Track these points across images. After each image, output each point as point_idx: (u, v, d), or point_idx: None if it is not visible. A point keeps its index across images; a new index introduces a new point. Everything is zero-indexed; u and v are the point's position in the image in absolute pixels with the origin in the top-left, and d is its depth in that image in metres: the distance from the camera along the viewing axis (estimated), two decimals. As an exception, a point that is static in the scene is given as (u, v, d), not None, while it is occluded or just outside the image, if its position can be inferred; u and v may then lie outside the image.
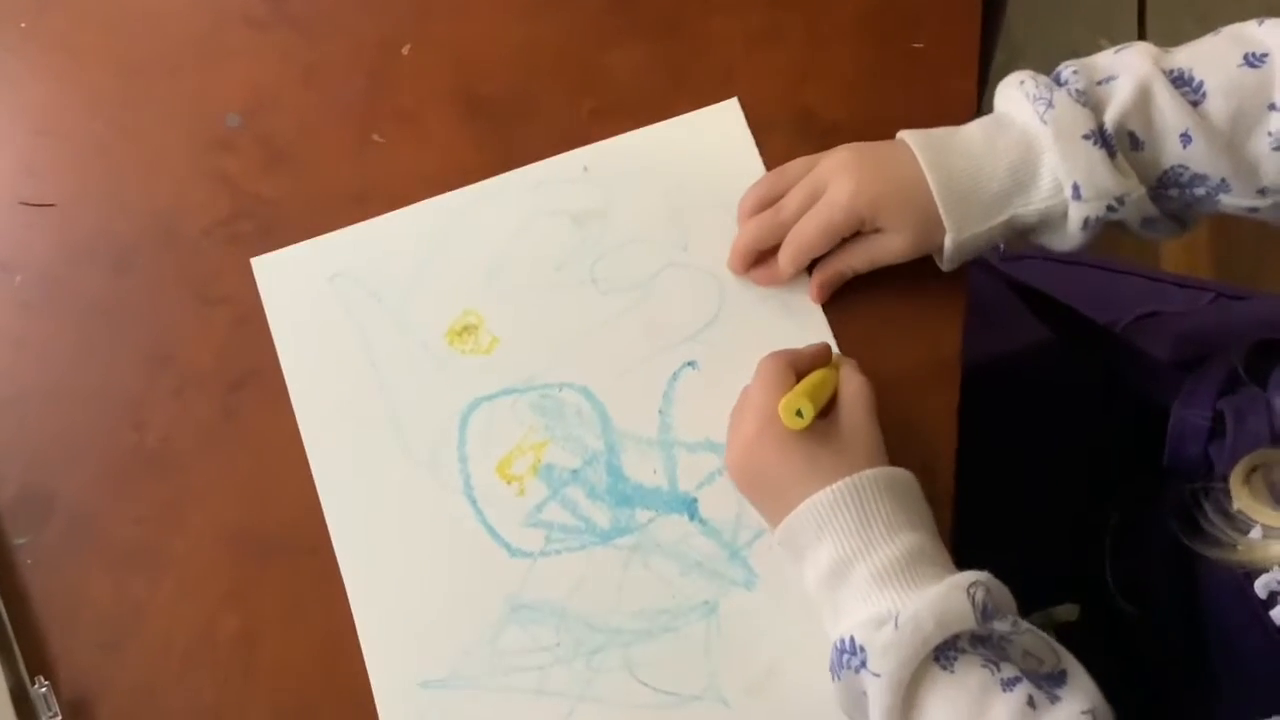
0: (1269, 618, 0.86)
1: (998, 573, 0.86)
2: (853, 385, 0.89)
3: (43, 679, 0.92)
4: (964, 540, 0.91)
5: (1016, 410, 1.10)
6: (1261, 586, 0.87)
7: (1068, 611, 1.06)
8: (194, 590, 0.95)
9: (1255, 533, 0.86)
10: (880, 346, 0.98)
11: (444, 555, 0.94)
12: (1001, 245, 0.97)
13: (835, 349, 0.95)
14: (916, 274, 0.97)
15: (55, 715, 0.90)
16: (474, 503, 0.95)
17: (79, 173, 1.04)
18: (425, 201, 1.01)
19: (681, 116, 1.01)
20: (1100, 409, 1.12)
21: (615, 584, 0.94)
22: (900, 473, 0.86)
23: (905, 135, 0.94)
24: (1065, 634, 0.95)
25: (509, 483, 0.96)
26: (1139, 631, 1.03)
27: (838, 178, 0.94)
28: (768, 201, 0.97)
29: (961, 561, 0.87)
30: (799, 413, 0.84)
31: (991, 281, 1.15)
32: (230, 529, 0.95)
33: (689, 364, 0.97)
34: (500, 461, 0.96)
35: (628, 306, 0.99)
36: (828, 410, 0.88)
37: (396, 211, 1.01)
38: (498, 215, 1.00)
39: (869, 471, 0.84)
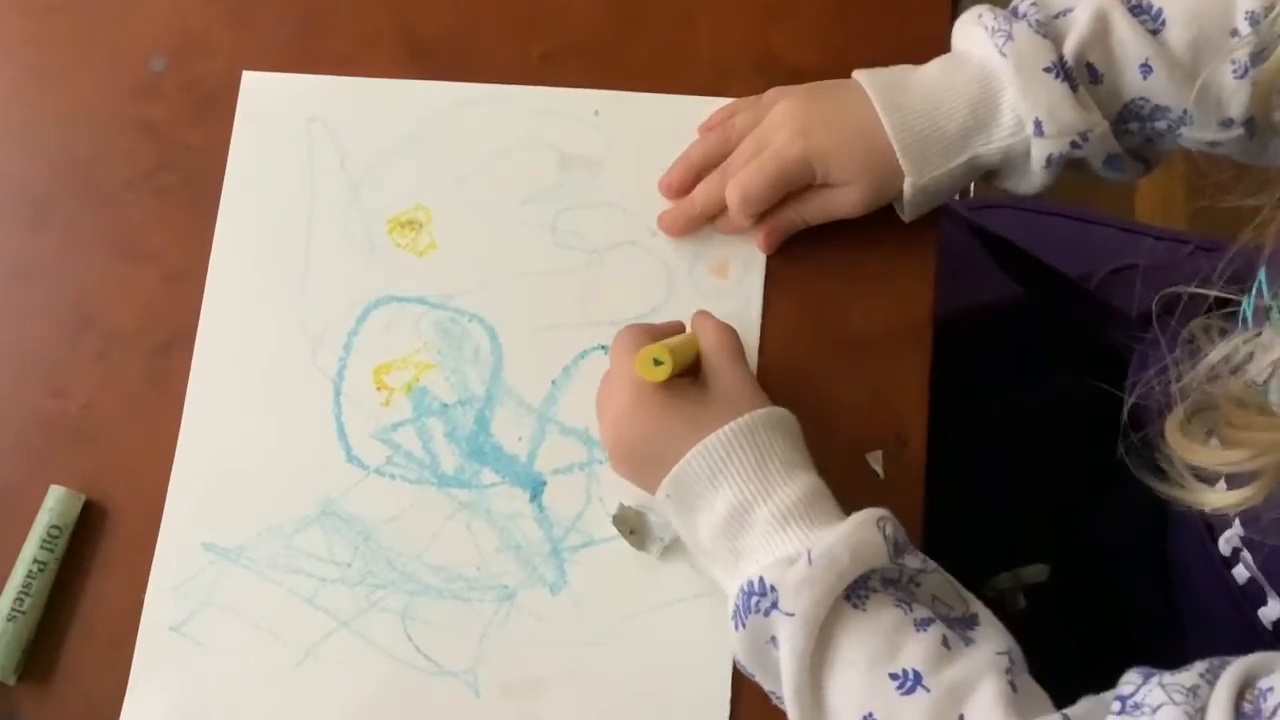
0: (1231, 576, 0.86)
1: (966, 534, 0.84)
2: (711, 336, 0.86)
3: (-44, 662, 0.90)
4: (931, 502, 0.89)
5: (984, 366, 1.07)
6: (1225, 543, 0.87)
7: (1037, 572, 1.02)
8: (119, 569, 0.92)
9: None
10: (846, 307, 0.94)
11: (284, 431, 0.95)
12: (972, 189, 0.91)
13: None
14: (884, 228, 0.94)
15: (-32, 698, 0.89)
16: (337, 393, 0.95)
17: None
18: (433, 83, 1.00)
19: (719, 99, 0.97)
20: (1073, 365, 1.07)
21: (431, 531, 0.92)
22: (784, 412, 0.83)
23: (860, 75, 0.92)
24: (1034, 595, 0.93)
25: (379, 389, 0.95)
26: (1109, 591, 0.98)
27: (782, 130, 0.91)
28: (715, 160, 0.95)
29: (929, 527, 0.86)
30: (656, 361, 0.81)
31: (957, 230, 1.09)
32: (159, 503, 0.93)
33: (603, 348, 0.94)
34: (380, 366, 0.96)
35: (573, 267, 0.96)
36: (695, 372, 0.86)
37: (400, 80, 1.00)
38: (493, 124, 0.99)
39: (759, 411, 0.82)
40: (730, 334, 0.86)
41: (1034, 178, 0.91)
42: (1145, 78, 0.88)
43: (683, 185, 0.95)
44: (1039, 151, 0.89)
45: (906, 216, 0.93)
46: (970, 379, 0.98)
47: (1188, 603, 0.93)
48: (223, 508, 0.93)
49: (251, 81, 1.01)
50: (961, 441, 0.94)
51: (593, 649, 0.89)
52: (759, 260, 0.95)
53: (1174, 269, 1.14)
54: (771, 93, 0.94)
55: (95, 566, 0.93)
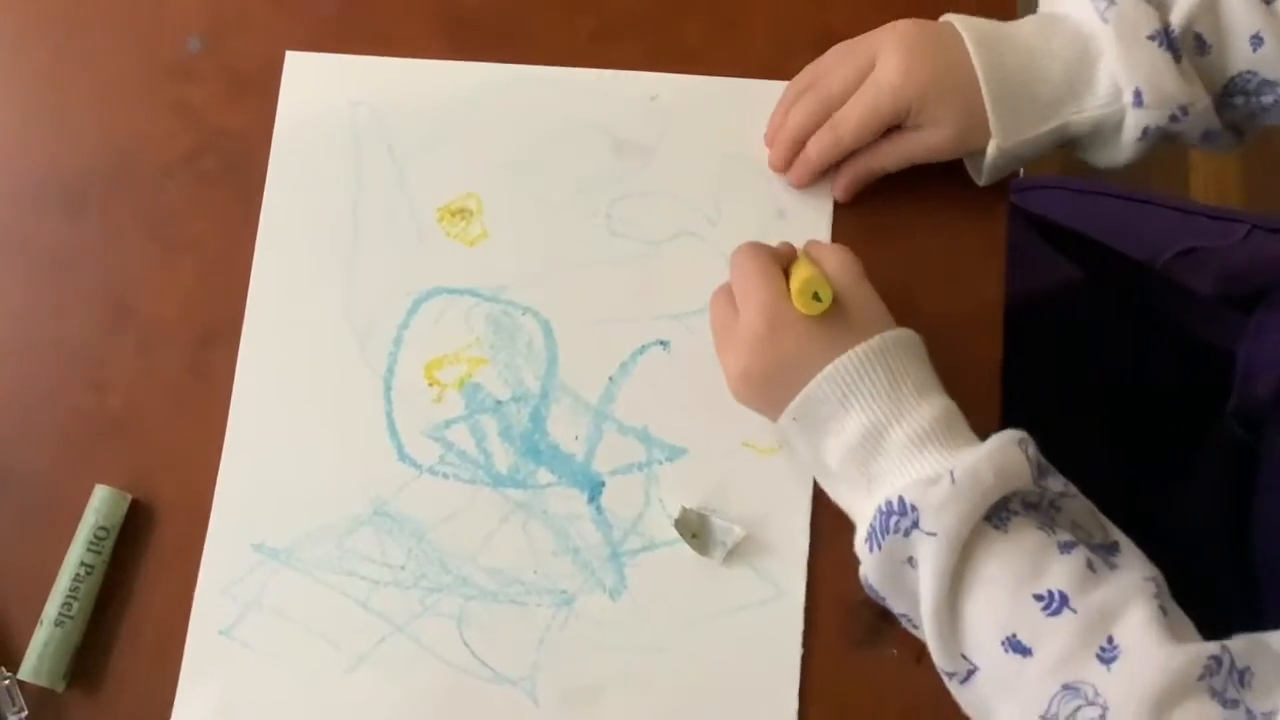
0: None
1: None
2: (835, 260, 0.84)
3: (5, 670, 0.90)
4: None
5: (1048, 351, 1.05)
6: None
7: None
8: (167, 571, 0.91)
9: None
10: (914, 295, 0.91)
11: (334, 429, 0.93)
12: (1020, 171, 0.93)
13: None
14: (951, 212, 0.92)
15: (21, 711, 0.90)
16: (388, 390, 0.93)
17: (23, 105, 1.01)
18: (482, 64, 0.98)
19: (777, 82, 0.95)
20: (1140, 349, 1.06)
21: (486, 533, 0.90)
22: (913, 334, 0.83)
23: (955, 21, 0.89)
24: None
25: (430, 385, 0.93)
26: (1181, 578, 0.98)
27: (888, 53, 0.89)
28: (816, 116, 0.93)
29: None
30: (816, 296, 0.80)
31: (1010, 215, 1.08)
32: (206, 502, 0.92)
33: (661, 343, 0.93)
34: (432, 361, 0.94)
35: (629, 258, 0.94)
36: None
37: (449, 62, 0.98)
38: (544, 108, 0.97)
39: (890, 333, 0.81)
40: (853, 256, 0.84)
41: (1122, 150, 0.89)
42: (1255, 50, 0.86)
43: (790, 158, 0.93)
44: (1135, 122, 0.86)
45: (983, 180, 0.91)
46: (1028, 369, 0.95)
47: (1274, 582, 0.92)
48: (272, 507, 0.92)
49: (295, 62, 0.99)
50: (1026, 429, 0.92)
51: (654, 656, 0.88)
52: (822, 251, 0.92)
53: (1234, 251, 1.12)
54: (871, 33, 0.91)
55: (142, 568, 0.92)
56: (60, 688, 0.89)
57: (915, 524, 0.76)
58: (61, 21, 1.01)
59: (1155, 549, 0.97)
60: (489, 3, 0.98)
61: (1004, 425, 0.87)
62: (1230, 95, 0.88)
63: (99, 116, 0.99)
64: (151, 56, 0.99)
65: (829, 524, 0.86)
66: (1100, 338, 1.09)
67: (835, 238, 0.93)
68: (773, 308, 0.82)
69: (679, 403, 0.91)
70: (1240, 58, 0.86)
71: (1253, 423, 0.93)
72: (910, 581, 0.78)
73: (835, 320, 0.82)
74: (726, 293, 0.86)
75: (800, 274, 0.82)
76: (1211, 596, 0.94)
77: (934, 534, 0.75)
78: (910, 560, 0.77)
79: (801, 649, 0.87)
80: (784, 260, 0.86)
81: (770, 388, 0.83)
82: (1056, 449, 0.98)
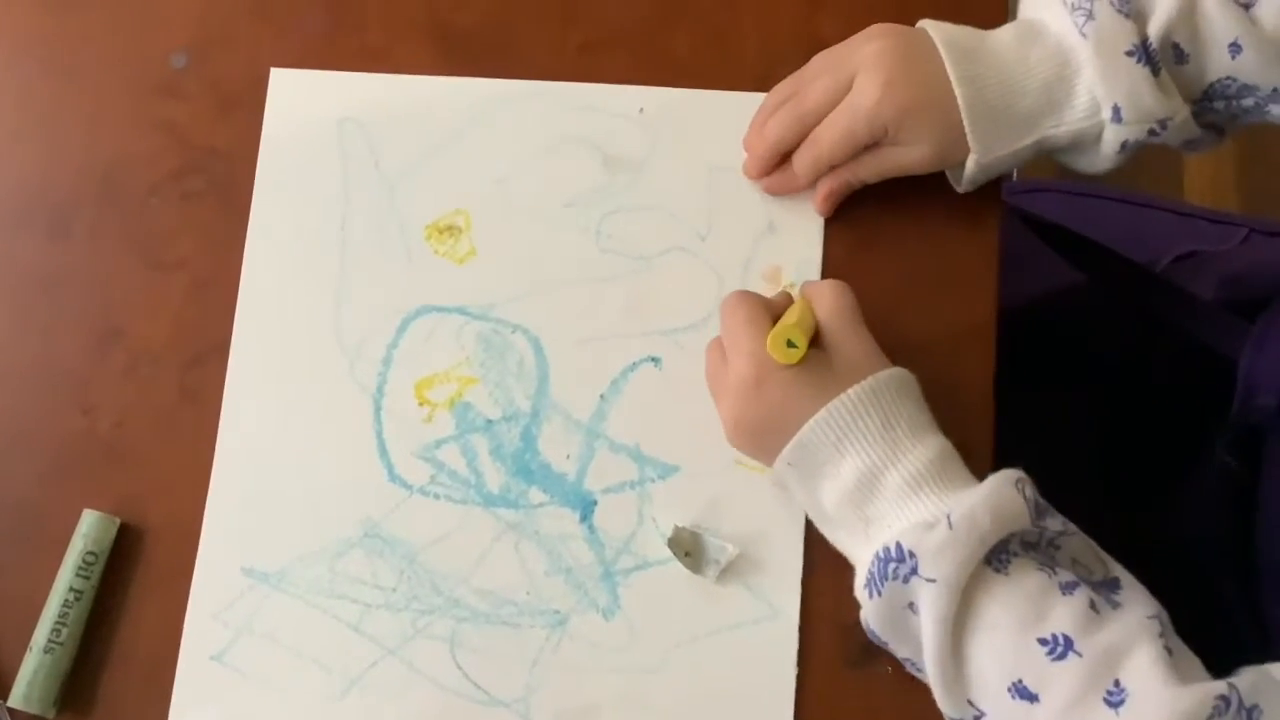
0: None
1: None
2: (827, 301, 0.84)
3: (-6, 695, 0.90)
4: None
5: (1048, 354, 1.06)
6: None
7: None
8: (157, 596, 0.90)
9: None
10: (906, 310, 0.91)
11: (323, 450, 0.92)
12: (1014, 174, 0.93)
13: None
14: (945, 223, 0.92)
15: (11, 736, 0.90)
16: (378, 410, 0.93)
17: (6, 123, 1.00)
18: (469, 80, 0.97)
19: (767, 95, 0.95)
20: (1142, 352, 1.06)
21: (478, 554, 0.90)
22: (906, 373, 0.83)
23: (932, 33, 0.88)
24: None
25: (421, 405, 0.93)
26: (1185, 593, 0.98)
27: (867, 72, 0.88)
28: (794, 125, 0.92)
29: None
30: (790, 344, 0.81)
31: (1007, 218, 1.07)
32: (196, 526, 0.91)
33: (652, 359, 0.92)
34: (422, 380, 0.93)
35: (619, 274, 0.94)
36: (814, 340, 0.84)
37: (436, 78, 0.97)
38: (532, 123, 0.96)
39: (883, 374, 0.81)
40: (846, 297, 0.84)
41: (1102, 160, 0.89)
42: (1234, 57, 0.85)
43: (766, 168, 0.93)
44: (1113, 136, 0.86)
45: (962, 189, 0.91)
46: (1027, 375, 0.95)
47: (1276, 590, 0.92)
48: (262, 530, 0.91)
49: (280, 80, 0.98)
50: (1021, 442, 0.90)
51: (648, 676, 0.87)
52: (813, 264, 0.92)
53: (1235, 255, 1.12)
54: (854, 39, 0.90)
55: (132, 594, 0.91)
56: (50, 715, 0.88)
57: (914, 570, 0.76)
58: (46, 37, 1.00)
59: (1157, 555, 0.98)
60: (477, 16, 0.98)
61: (1000, 432, 0.88)
62: (1210, 100, 0.88)
63: (83, 135, 0.98)
64: (136, 73, 0.98)
65: (823, 542, 0.85)
66: (1100, 341, 1.09)
67: (827, 250, 0.92)
68: (759, 356, 0.82)
69: (671, 420, 0.90)
70: (1219, 65, 0.86)
71: (1256, 430, 0.92)
72: (913, 627, 0.77)
73: (823, 365, 0.82)
74: (719, 342, 0.86)
75: (781, 321, 0.83)
76: (1214, 603, 0.94)
77: (933, 580, 0.75)
78: (911, 606, 0.77)
79: (796, 667, 0.86)
80: (777, 309, 0.85)
81: (762, 436, 0.83)
82: (1056, 453, 0.98)
